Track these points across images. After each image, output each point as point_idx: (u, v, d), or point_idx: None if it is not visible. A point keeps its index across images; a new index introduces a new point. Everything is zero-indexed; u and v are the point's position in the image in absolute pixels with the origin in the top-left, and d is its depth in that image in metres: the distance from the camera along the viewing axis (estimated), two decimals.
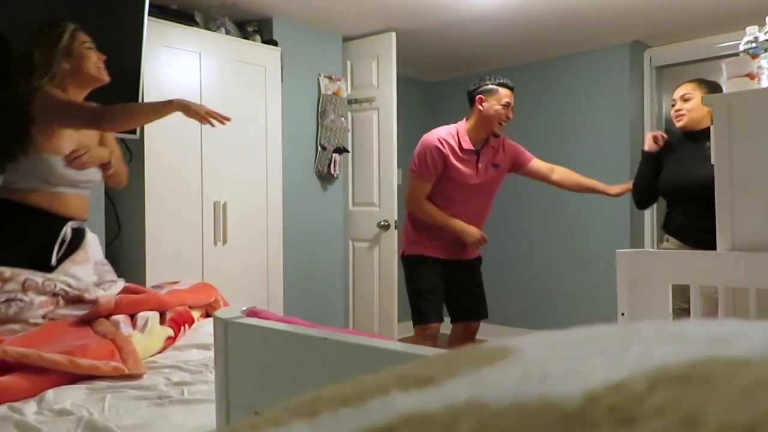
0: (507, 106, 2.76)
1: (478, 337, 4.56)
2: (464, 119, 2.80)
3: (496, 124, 2.74)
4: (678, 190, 2.68)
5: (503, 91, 2.75)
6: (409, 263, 2.81)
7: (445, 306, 2.86)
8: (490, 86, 2.75)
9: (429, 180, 2.70)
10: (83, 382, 1.38)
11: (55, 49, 1.97)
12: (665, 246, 2.77)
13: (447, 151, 2.67)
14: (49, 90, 1.93)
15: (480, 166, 2.75)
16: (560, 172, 3.05)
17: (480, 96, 2.73)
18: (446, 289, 2.81)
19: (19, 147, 1.89)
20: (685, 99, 2.65)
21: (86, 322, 1.69)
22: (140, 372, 1.45)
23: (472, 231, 2.69)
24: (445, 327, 2.89)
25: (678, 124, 2.76)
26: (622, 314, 1.67)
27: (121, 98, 2.76)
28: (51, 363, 1.34)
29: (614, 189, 3.02)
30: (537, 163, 3.04)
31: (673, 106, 2.78)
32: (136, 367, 1.45)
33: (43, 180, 1.92)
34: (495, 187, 2.91)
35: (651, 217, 4.19)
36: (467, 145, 2.71)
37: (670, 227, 2.76)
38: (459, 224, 2.68)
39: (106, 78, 2.11)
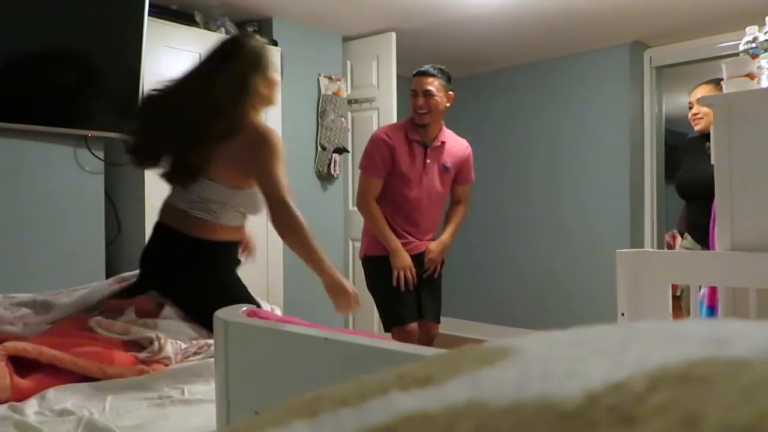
0: (414, 94, 2.64)
1: (477, 337, 4.57)
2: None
3: (415, 115, 2.64)
4: (693, 190, 2.69)
5: (412, 80, 2.67)
6: (373, 264, 2.70)
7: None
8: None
9: (377, 175, 2.61)
10: (84, 381, 1.38)
11: (258, 74, 1.75)
12: (684, 244, 2.79)
13: (394, 143, 2.60)
14: (259, 125, 1.75)
15: (428, 161, 2.66)
16: (454, 210, 2.87)
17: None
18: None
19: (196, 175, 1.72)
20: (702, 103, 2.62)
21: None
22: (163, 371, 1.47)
23: (404, 259, 2.58)
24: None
25: (696, 128, 2.76)
26: (622, 314, 1.67)
27: (121, 98, 2.76)
28: (81, 369, 1.35)
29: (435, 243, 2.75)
30: (465, 191, 2.88)
31: (690, 109, 2.76)
32: (159, 369, 1.47)
33: (249, 212, 1.83)
34: (443, 193, 2.76)
35: (651, 217, 4.20)
36: (413, 135, 2.64)
37: (687, 227, 2.79)
38: (396, 244, 2.58)
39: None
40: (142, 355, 1.53)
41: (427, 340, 2.75)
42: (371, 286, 2.78)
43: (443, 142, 2.71)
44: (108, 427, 1.11)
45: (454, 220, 2.84)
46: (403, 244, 2.63)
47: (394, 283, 2.61)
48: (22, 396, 1.26)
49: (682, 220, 2.98)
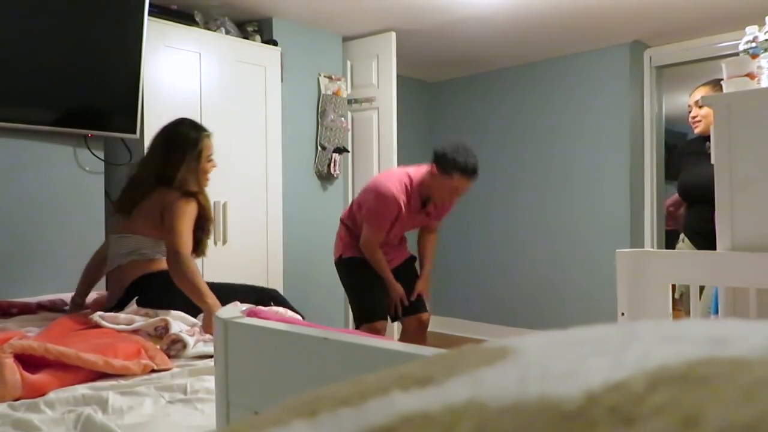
0: (455, 192, 2.73)
1: (477, 336, 4.58)
2: (424, 167, 2.81)
3: (437, 198, 2.80)
4: (695, 194, 2.68)
5: (458, 178, 2.66)
6: (349, 265, 2.96)
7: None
8: (451, 166, 2.64)
9: (385, 230, 2.84)
10: (93, 374, 1.39)
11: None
12: (680, 246, 2.79)
13: (403, 206, 2.76)
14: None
15: (422, 213, 2.89)
16: (429, 239, 3.15)
17: (437, 166, 2.68)
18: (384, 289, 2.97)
19: None
20: (699, 105, 2.61)
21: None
22: (168, 367, 1.48)
23: (399, 289, 2.89)
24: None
25: (696, 131, 2.75)
26: (622, 314, 1.67)
27: (121, 98, 2.76)
28: (87, 363, 1.36)
29: (422, 277, 3.07)
30: (439, 224, 3.15)
31: (689, 112, 2.76)
32: (163, 362, 1.48)
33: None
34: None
35: (651, 217, 4.20)
36: (416, 202, 2.81)
37: (686, 230, 2.78)
38: (391, 278, 2.89)
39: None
40: (161, 345, 1.57)
41: (421, 327, 3.03)
42: (346, 286, 3.05)
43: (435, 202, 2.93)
44: (107, 425, 1.11)
45: (430, 250, 3.14)
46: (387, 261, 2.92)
47: (391, 311, 2.92)
48: (33, 393, 1.26)
49: (683, 222, 2.97)
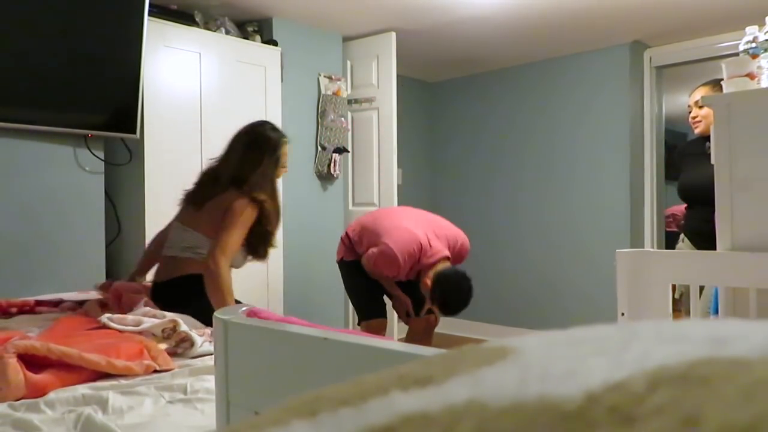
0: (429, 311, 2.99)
1: (478, 336, 4.57)
2: (440, 241, 2.85)
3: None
4: (695, 195, 2.68)
5: (437, 308, 2.85)
6: (350, 267, 3.04)
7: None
8: (437, 297, 2.77)
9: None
10: (95, 374, 1.39)
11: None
12: (680, 246, 2.78)
13: (402, 273, 2.82)
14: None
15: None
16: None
17: (432, 282, 2.76)
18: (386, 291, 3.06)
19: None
20: (699, 105, 2.61)
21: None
22: (170, 367, 1.48)
23: (405, 300, 3.02)
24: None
25: (696, 131, 2.75)
26: (622, 314, 1.67)
27: (121, 98, 2.76)
28: (90, 363, 1.36)
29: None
30: None
31: (689, 112, 2.75)
32: (165, 362, 1.48)
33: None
34: None
35: (651, 217, 4.20)
36: (415, 273, 2.86)
37: (686, 230, 2.77)
38: (398, 292, 3.02)
39: None
40: (163, 345, 1.57)
41: (428, 328, 3.14)
42: (347, 286, 3.16)
43: None
44: (107, 425, 1.11)
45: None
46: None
47: (402, 317, 3.12)
48: (36, 392, 1.26)
49: (683, 221, 2.97)
